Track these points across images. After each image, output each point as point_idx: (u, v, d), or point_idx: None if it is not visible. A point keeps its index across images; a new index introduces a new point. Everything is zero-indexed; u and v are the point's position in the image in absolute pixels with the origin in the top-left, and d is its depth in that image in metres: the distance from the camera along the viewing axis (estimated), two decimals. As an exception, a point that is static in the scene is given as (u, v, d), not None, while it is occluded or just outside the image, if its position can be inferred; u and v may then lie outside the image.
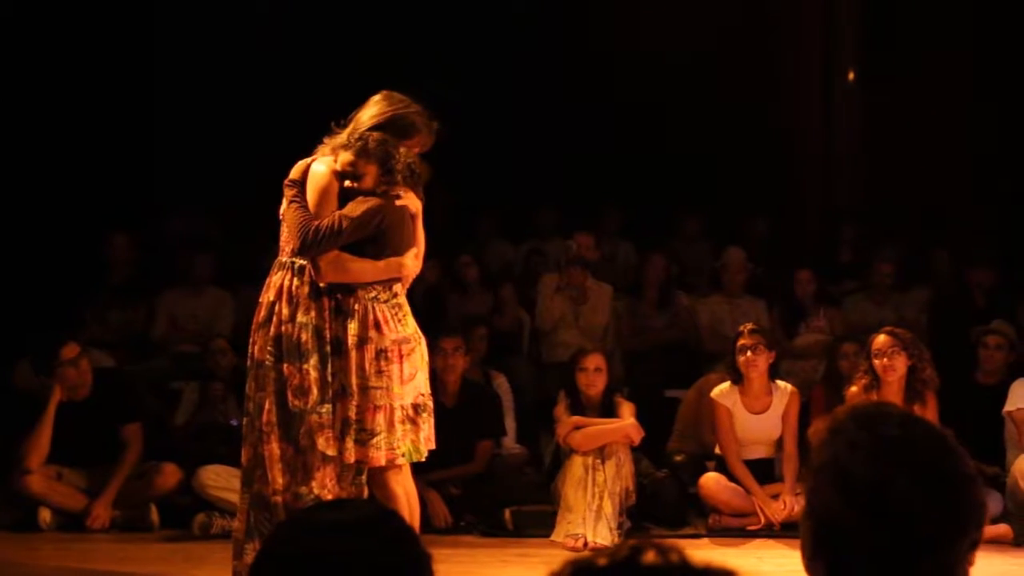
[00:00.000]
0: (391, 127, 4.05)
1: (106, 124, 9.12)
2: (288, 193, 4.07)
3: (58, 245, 8.00)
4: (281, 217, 4.13)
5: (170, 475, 6.01)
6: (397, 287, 4.23)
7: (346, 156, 4.11)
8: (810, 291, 7.78)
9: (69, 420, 5.95)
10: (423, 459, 4.30)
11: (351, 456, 4.07)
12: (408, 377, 4.15)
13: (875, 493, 1.52)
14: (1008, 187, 8.94)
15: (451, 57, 9.31)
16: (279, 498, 3.92)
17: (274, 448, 3.94)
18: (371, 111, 4.07)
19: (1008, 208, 8.77)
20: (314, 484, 3.98)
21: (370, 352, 4.09)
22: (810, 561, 1.61)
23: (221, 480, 5.88)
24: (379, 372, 4.10)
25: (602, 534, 5.60)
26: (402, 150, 4.15)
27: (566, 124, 9.28)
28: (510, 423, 6.63)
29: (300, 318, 3.96)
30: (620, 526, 5.79)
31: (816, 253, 8.94)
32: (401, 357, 4.13)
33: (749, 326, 6.39)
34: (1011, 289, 7.98)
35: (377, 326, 4.12)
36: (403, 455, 4.16)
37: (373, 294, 4.11)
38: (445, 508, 5.90)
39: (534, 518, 5.99)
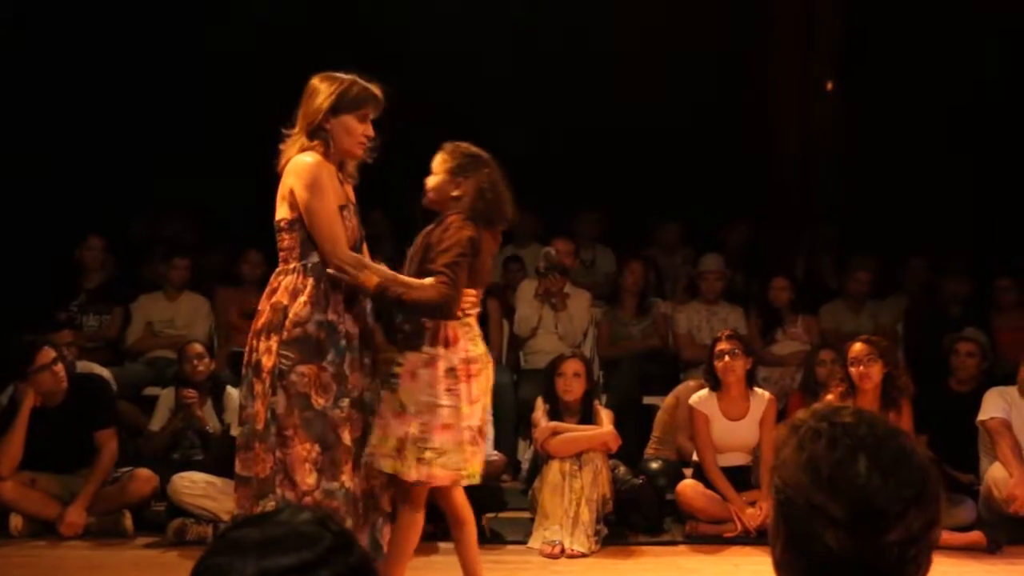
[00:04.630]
0: (346, 102, 3.97)
1: (80, 125, 9.09)
2: (301, 200, 3.94)
3: (32, 249, 7.95)
4: (283, 224, 4.01)
5: (145, 481, 5.96)
6: (475, 309, 4.24)
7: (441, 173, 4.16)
8: (787, 299, 7.82)
9: (43, 426, 5.90)
10: (478, 483, 4.28)
11: (412, 475, 4.04)
12: (475, 398, 4.12)
13: (837, 471, 1.63)
14: (983, 197, 8.99)
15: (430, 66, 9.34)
16: (310, 499, 3.87)
17: (299, 450, 3.88)
18: (320, 96, 3.97)
19: (983, 217, 8.81)
20: (344, 478, 3.94)
21: (440, 369, 4.06)
22: (781, 554, 1.71)
23: (196, 487, 5.83)
24: (448, 390, 4.07)
25: (579, 541, 5.61)
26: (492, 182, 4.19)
27: (543, 130, 9.33)
28: (489, 430, 6.58)
29: (317, 316, 3.91)
30: (597, 533, 5.77)
31: (793, 261, 8.99)
32: (469, 377, 4.11)
33: (727, 332, 6.44)
34: (984, 298, 8.05)
35: (447, 343, 4.09)
36: (468, 476, 4.14)
37: None
38: None
39: (511, 525, 5.98)
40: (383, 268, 4.16)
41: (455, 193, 4.19)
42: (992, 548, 5.83)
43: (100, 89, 9.18)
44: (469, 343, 4.15)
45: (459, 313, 4.11)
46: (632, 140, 9.36)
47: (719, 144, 9.76)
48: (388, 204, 9.25)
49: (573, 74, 9.70)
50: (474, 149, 4.28)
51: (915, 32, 9.16)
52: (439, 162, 4.26)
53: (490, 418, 4.51)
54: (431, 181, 4.25)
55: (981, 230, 8.75)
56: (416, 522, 4.18)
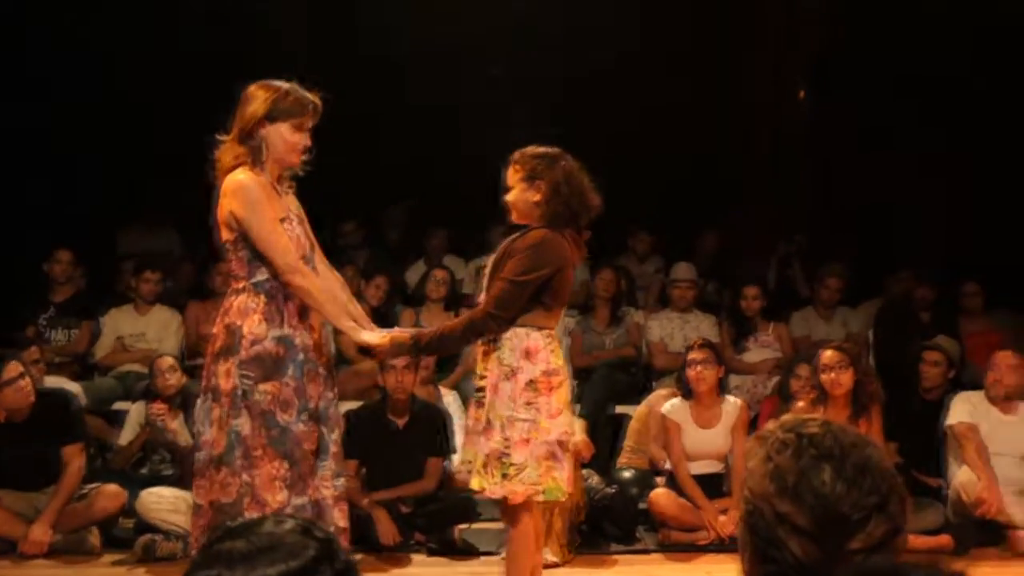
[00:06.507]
0: (282, 110, 3.90)
1: (54, 136, 9.05)
2: (241, 219, 3.87)
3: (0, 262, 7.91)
4: (228, 246, 3.95)
5: (112, 497, 5.90)
6: (557, 322, 4.22)
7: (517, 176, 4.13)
8: (758, 307, 7.85)
9: (7, 442, 5.84)
10: (564, 499, 4.26)
11: (497, 492, 4.03)
12: (556, 411, 4.07)
13: (802, 481, 1.67)
14: (954, 207, 9.03)
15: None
16: None
17: (268, 469, 3.84)
18: (255, 103, 3.90)
19: (955, 224, 8.85)
20: (310, 491, 3.91)
21: (520, 382, 4.03)
22: (749, 563, 1.73)
23: (165, 502, 5.82)
24: (528, 404, 4.04)
25: (552, 550, 5.59)
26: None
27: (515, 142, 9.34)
28: (461, 440, 6.60)
29: (273, 332, 3.86)
30: (570, 542, 5.79)
31: (765, 269, 9.03)
32: (551, 389, 4.06)
33: (699, 341, 6.50)
34: (953, 305, 8.10)
35: (528, 355, 4.05)
36: (543, 492, 4.08)
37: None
38: (394, 527, 5.86)
39: (484, 535, 5.97)
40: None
41: (535, 199, 4.14)
42: (960, 551, 5.92)
43: (78, 102, 9.10)
44: (551, 355, 4.08)
45: (545, 325, 4.09)
46: (604, 150, 9.39)
47: (691, 154, 9.81)
48: (361, 214, 9.30)
49: (548, 84, 9.76)
50: (542, 149, 4.21)
51: (888, 44, 9.24)
52: (511, 174, 4.21)
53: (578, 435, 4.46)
54: (510, 197, 4.20)
55: (952, 237, 8.79)
56: (526, 536, 4.12)
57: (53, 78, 8.91)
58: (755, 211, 9.65)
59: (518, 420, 4.02)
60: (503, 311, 4.04)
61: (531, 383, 4.03)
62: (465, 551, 5.85)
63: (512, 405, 4.03)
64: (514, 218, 4.24)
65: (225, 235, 3.91)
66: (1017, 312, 8.06)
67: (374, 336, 4.06)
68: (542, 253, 4.06)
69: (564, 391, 4.14)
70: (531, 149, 4.21)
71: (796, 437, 1.72)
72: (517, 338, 4.05)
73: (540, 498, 4.10)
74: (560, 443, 4.09)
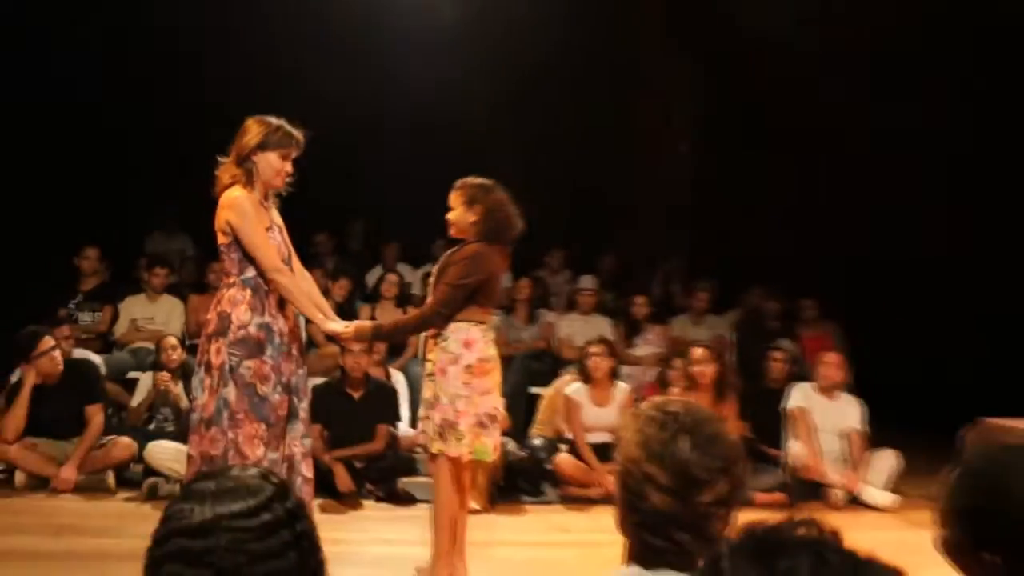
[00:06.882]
0: (271, 142, 3.87)
1: (83, 151, 8.91)
2: (235, 227, 3.83)
3: (39, 256, 7.75)
4: (223, 248, 3.89)
5: (125, 448, 5.89)
6: (490, 318, 4.21)
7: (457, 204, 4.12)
8: (645, 312, 7.87)
9: (42, 400, 5.83)
10: (491, 459, 4.26)
11: (453, 452, 4.05)
12: (486, 390, 4.09)
13: (665, 448, 1.67)
14: (800, 242, 9.06)
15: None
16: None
17: (249, 430, 3.78)
18: (250, 134, 3.87)
19: (796, 255, 8.97)
20: (283, 449, 3.87)
21: (460, 366, 4.05)
22: (621, 512, 1.73)
23: (167, 453, 5.79)
24: (465, 383, 4.05)
25: (476, 500, 5.52)
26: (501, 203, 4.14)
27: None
28: (405, 411, 6.57)
29: (257, 320, 3.82)
30: (491, 495, 5.79)
31: (651, 284, 9.03)
32: (484, 373, 4.08)
33: (597, 338, 6.50)
34: (794, 316, 8.17)
35: (467, 345, 4.07)
36: (473, 453, 4.09)
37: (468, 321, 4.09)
38: (350, 478, 5.82)
39: (422, 487, 5.94)
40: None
41: (472, 219, 4.14)
42: (791, 505, 5.95)
43: (103, 122, 8.92)
44: (485, 345, 4.10)
45: (480, 320, 4.09)
46: (528, 190, 9.34)
47: (597, 192, 9.80)
48: (330, 227, 9.26)
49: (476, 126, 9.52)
50: (479, 180, 4.21)
51: (753, 108, 9.28)
52: (454, 198, 4.20)
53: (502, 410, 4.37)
54: (451, 216, 4.19)
55: (794, 263, 8.86)
56: (449, 489, 4.12)
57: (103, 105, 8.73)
58: (645, 237, 9.62)
59: (460, 396, 4.05)
60: (446, 309, 4.07)
61: (469, 367, 4.05)
62: (407, 499, 5.84)
63: (456, 384, 4.05)
64: (453, 233, 4.23)
65: (221, 239, 3.87)
66: (840, 324, 8.14)
67: (338, 325, 4.05)
68: (476, 263, 4.08)
69: (495, 375, 4.15)
70: (471, 179, 4.20)
71: (661, 414, 1.72)
72: (461, 331, 4.07)
73: (469, 457, 4.11)
74: (489, 415, 4.10)
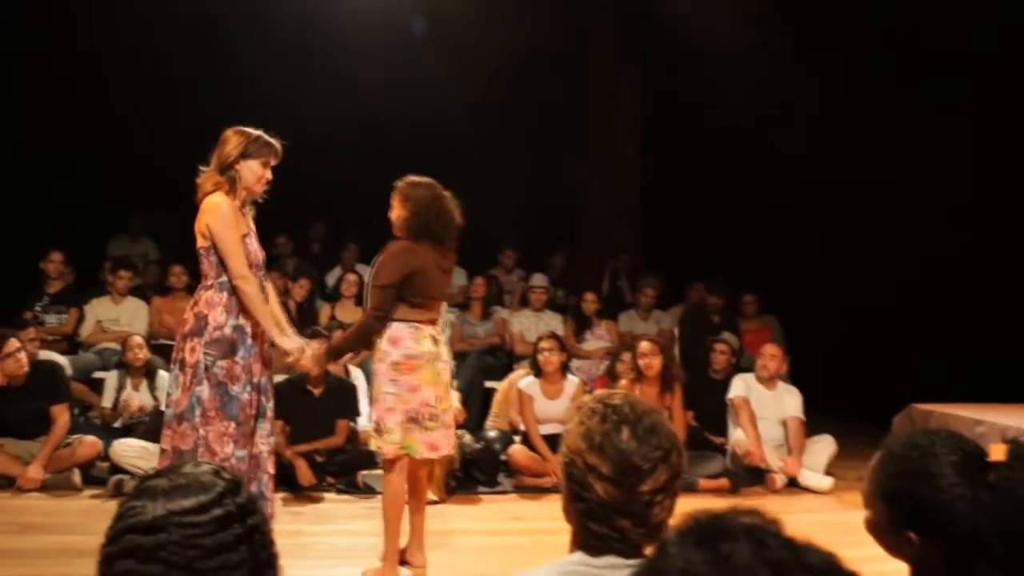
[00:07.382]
0: (251, 151, 3.89)
1: (51, 157, 8.86)
2: (214, 233, 3.85)
3: (4, 261, 7.70)
4: (202, 252, 3.90)
5: (91, 446, 5.87)
6: (429, 315, 4.14)
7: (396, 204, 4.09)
8: (594, 309, 7.91)
9: (8, 401, 5.79)
10: (421, 456, 4.15)
11: (387, 450, 4.03)
12: (413, 388, 4.05)
13: (606, 439, 1.68)
14: (744, 240, 9.16)
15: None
16: (227, 464, 3.76)
17: (219, 427, 3.79)
18: (231, 144, 3.90)
19: (735, 258, 9.04)
20: (250, 447, 3.88)
21: (387, 363, 4.04)
22: (566, 501, 1.75)
23: (132, 450, 5.77)
24: (391, 380, 4.04)
25: (434, 491, 5.54)
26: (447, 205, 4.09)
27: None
28: (364, 407, 6.53)
29: (231, 321, 3.84)
30: (447, 485, 5.80)
31: (600, 281, 9.09)
32: (411, 370, 4.04)
33: (548, 333, 6.53)
34: (736, 310, 8.23)
35: (392, 342, 4.06)
36: (405, 449, 4.08)
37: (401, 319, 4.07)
38: (311, 472, 5.83)
39: (380, 480, 5.96)
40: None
41: (404, 216, 4.12)
42: (734, 490, 6.04)
43: (75, 125, 8.86)
44: (413, 342, 4.05)
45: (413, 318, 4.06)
46: (483, 190, 9.42)
47: (548, 194, 9.86)
48: (291, 230, 9.32)
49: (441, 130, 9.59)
50: (416, 178, 4.18)
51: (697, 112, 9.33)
52: (393, 198, 4.18)
53: (453, 404, 4.32)
54: (392, 214, 4.17)
55: (736, 264, 8.89)
56: (397, 483, 4.10)
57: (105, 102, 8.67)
58: (594, 238, 9.66)
59: (388, 393, 4.06)
60: (379, 311, 4.08)
61: (395, 364, 4.04)
62: (366, 491, 5.82)
63: (384, 381, 4.06)
64: (394, 231, 4.20)
65: (200, 242, 3.87)
66: (779, 317, 8.23)
67: (292, 344, 4.01)
68: (397, 260, 4.06)
69: (427, 372, 4.07)
70: (410, 177, 4.19)
71: (603, 407, 1.71)
72: (391, 329, 4.08)
73: (400, 453, 4.07)
74: (421, 413, 4.06)
